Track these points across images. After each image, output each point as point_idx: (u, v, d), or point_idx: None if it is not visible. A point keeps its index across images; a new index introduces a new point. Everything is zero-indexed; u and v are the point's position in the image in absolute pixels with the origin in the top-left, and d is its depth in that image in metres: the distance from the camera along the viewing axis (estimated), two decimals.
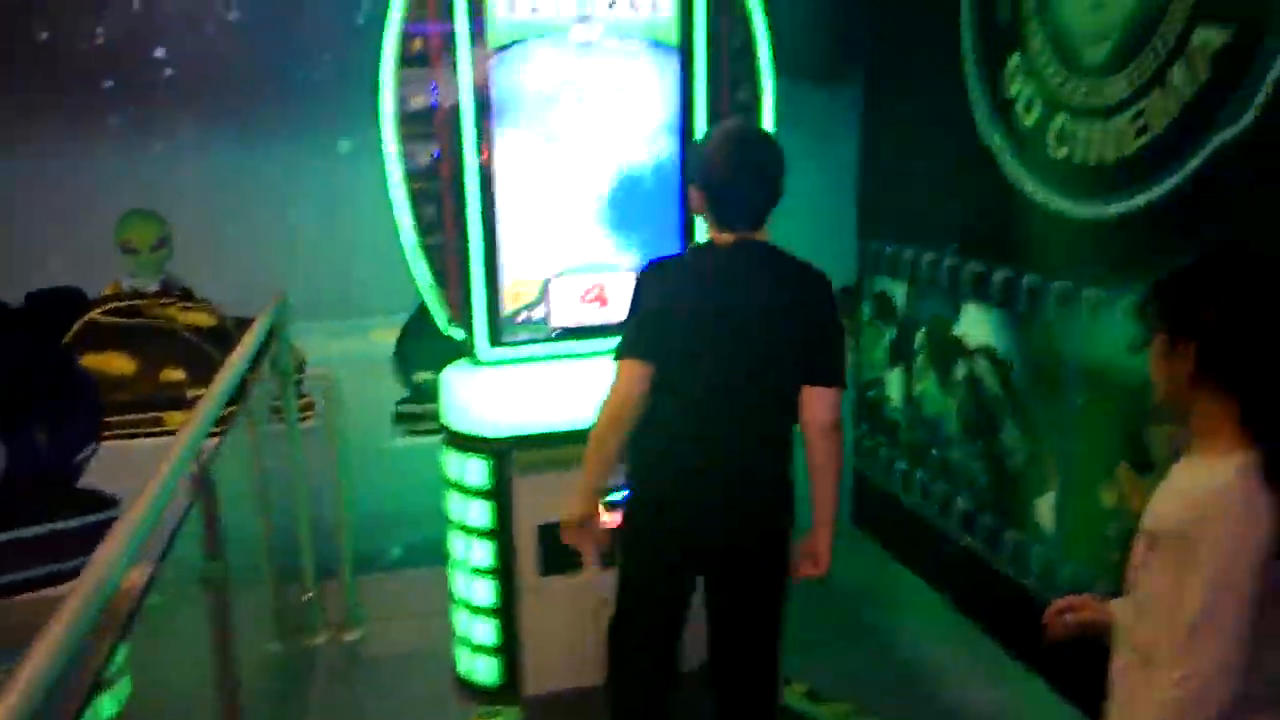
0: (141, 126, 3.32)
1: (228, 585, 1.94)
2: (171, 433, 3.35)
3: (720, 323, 2.16)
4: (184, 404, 3.42)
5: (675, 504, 2.26)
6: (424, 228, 3.07)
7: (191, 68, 3.31)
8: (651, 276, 2.24)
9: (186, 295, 3.43)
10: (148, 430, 3.40)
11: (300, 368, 3.49)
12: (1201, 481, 1.46)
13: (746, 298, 2.17)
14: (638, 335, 2.20)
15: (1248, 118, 2.07)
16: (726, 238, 2.20)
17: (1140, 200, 2.38)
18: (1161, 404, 1.60)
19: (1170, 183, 2.28)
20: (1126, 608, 1.63)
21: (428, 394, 3.53)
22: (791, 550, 2.35)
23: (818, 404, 2.20)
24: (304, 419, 3.50)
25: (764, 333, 2.18)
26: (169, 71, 3.32)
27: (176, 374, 3.44)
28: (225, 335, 3.44)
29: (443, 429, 3.05)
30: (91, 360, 3.36)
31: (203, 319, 3.45)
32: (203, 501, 1.86)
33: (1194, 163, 2.21)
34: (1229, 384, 1.46)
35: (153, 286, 3.41)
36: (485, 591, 2.97)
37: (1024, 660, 2.99)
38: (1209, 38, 2.14)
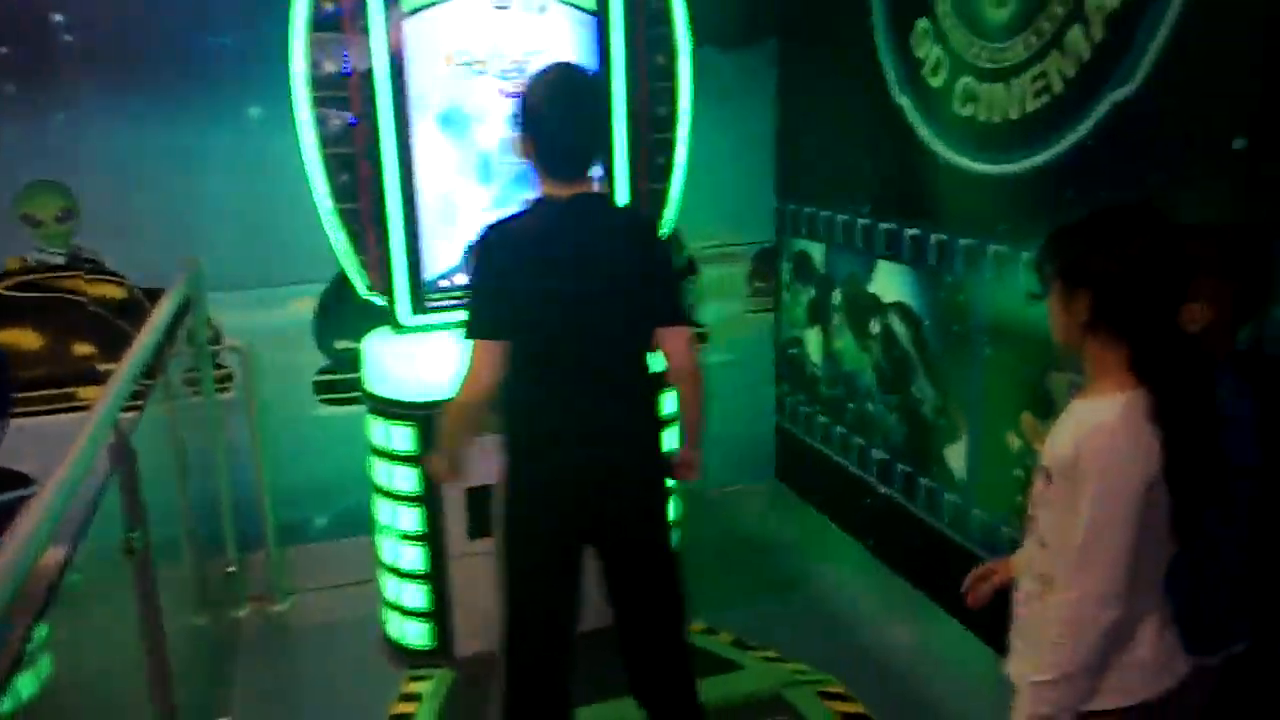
0: (42, 95, 3.18)
1: (150, 555, 1.93)
2: (84, 408, 3.27)
3: (565, 288, 2.11)
4: (96, 378, 3.34)
5: (554, 479, 2.22)
6: (340, 194, 3.05)
7: (93, 33, 3.18)
8: (491, 245, 2.16)
9: (95, 267, 3.33)
10: (60, 406, 3.31)
11: (216, 339, 3.43)
12: (1090, 418, 1.55)
13: (586, 257, 2.13)
14: (486, 313, 2.15)
15: (1139, 77, 2.17)
16: (559, 191, 2.13)
17: (1041, 158, 2.48)
18: (1060, 346, 1.70)
19: (1069, 140, 2.38)
20: (1028, 540, 1.72)
21: (348, 363, 3.51)
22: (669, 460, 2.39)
23: (669, 347, 2.22)
24: (222, 390, 3.44)
25: (608, 289, 2.14)
26: (69, 38, 3.19)
27: (86, 348, 3.36)
28: (137, 307, 3.36)
29: (366, 396, 3.05)
30: None
31: (112, 291, 3.37)
32: (123, 472, 1.84)
33: (1090, 121, 2.31)
34: (1120, 329, 1.55)
35: (59, 259, 3.30)
36: (414, 556, 2.98)
37: (938, 601, 3.13)
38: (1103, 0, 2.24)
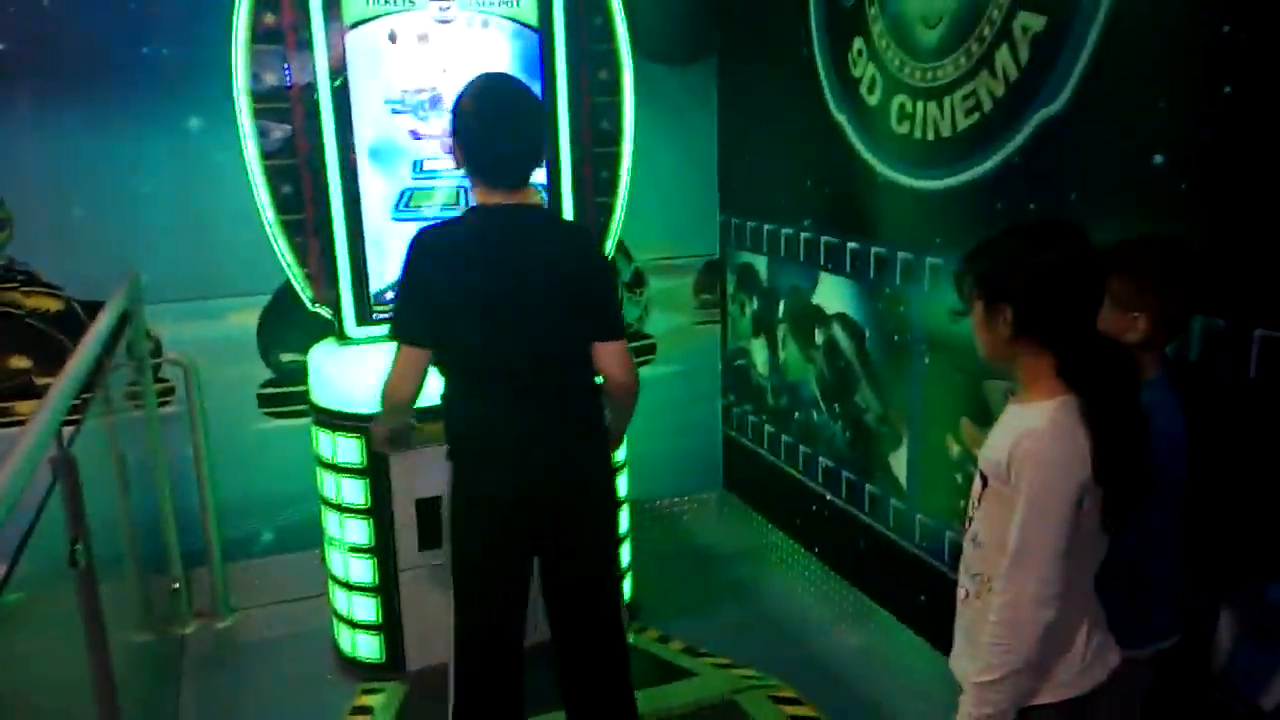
0: None
1: (93, 568, 1.90)
2: (20, 423, 3.23)
3: (493, 297, 2.11)
4: (32, 392, 3.28)
5: (495, 492, 2.22)
6: (283, 206, 3.04)
7: (28, 42, 3.14)
8: (422, 250, 2.13)
9: (31, 279, 3.27)
10: None
11: (157, 351, 3.38)
12: (1022, 423, 1.61)
13: (516, 268, 2.12)
14: (410, 317, 2.15)
15: (1065, 96, 2.25)
16: (494, 200, 2.13)
17: (973, 173, 2.56)
18: (987, 361, 1.76)
19: (999, 156, 2.47)
20: (965, 540, 1.78)
21: (292, 375, 3.49)
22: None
23: (605, 361, 2.21)
24: (163, 404, 3.40)
25: (540, 300, 2.13)
26: (1, 46, 3.14)
27: (23, 361, 3.29)
28: (74, 320, 3.31)
29: (312, 408, 3.03)
30: None
31: (49, 303, 3.31)
32: (64, 483, 1.82)
33: (1019, 138, 2.40)
34: (1044, 339, 1.62)
35: None
36: (363, 569, 2.97)
37: (885, 605, 3.20)
38: (1029, 22, 2.33)
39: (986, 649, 1.63)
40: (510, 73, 2.73)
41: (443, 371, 2.24)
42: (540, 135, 2.20)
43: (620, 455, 3.28)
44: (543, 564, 2.34)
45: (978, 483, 1.73)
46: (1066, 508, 1.55)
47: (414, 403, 2.24)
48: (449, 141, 2.19)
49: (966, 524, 1.77)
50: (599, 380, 2.28)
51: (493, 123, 2.10)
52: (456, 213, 2.49)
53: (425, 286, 2.13)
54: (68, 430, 2.00)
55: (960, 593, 1.79)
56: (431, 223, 2.22)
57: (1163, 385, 1.79)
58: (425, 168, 3.08)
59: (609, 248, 3.39)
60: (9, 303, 3.26)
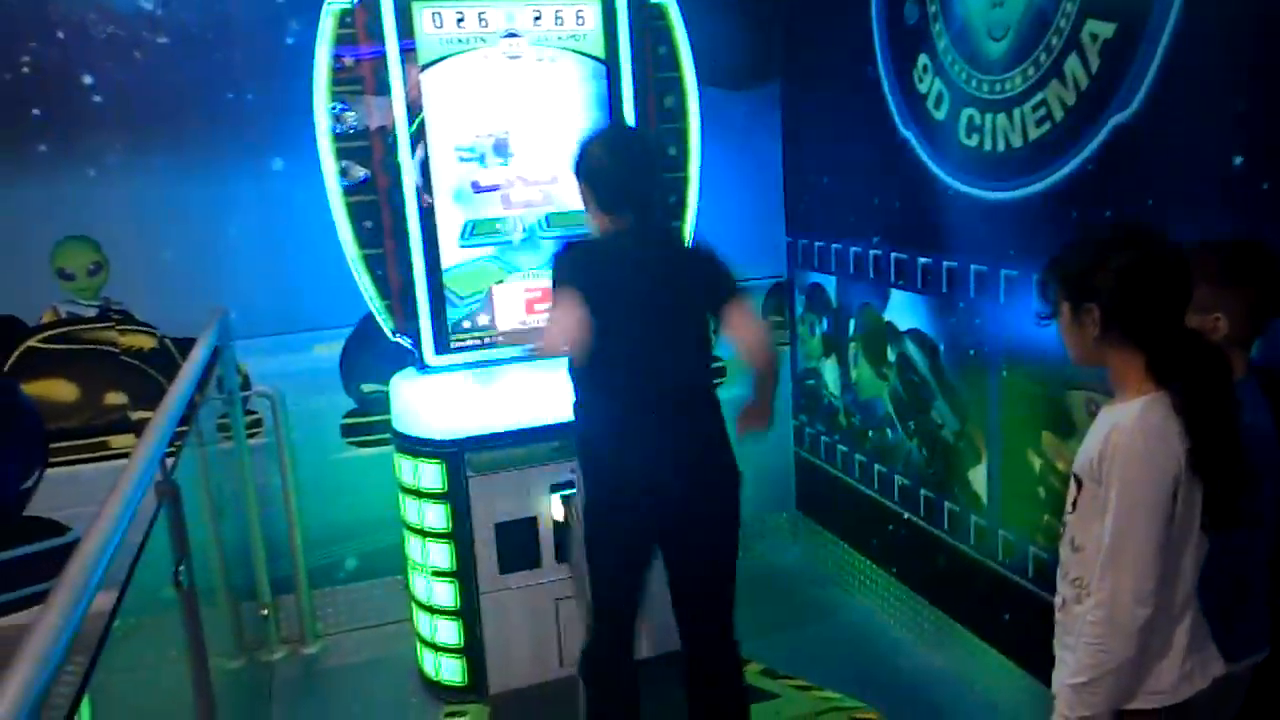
0: (72, 153, 3.29)
1: (195, 590, 1.98)
2: (117, 456, 3.37)
3: (643, 301, 2.31)
4: (128, 427, 3.42)
5: (637, 487, 2.35)
6: (364, 240, 3.14)
7: (121, 93, 3.30)
8: (571, 255, 2.35)
9: (126, 318, 3.42)
10: (93, 455, 3.38)
11: (245, 384, 3.50)
12: (1113, 421, 1.61)
13: (659, 276, 2.34)
14: (569, 278, 2.30)
15: (1138, 101, 2.24)
16: (621, 224, 2.35)
17: (1046, 183, 2.54)
18: (1077, 364, 1.75)
19: (1073, 165, 2.45)
20: (1063, 547, 1.76)
21: (375, 405, 3.58)
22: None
23: (736, 322, 2.36)
24: (251, 435, 3.51)
25: (678, 306, 2.35)
26: (98, 98, 3.31)
27: (119, 397, 3.43)
28: (167, 357, 3.44)
29: (394, 436, 3.11)
30: (32, 388, 3.34)
31: (143, 341, 3.45)
32: (169, 508, 1.90)
33: (1092, 145, 2.38)
34: (1132, 337, 1.61)
35: (91, 311, 3.39)
36: (446, 593, 3.02)
37: (967, 625, 3.14)
38: (1098, 29, 2.31)
39: (1082, 649, 1.61)
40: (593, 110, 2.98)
41: (580, 372, 2.39)
42: (660, 171, 2.54)
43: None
44: (670, 561, 2.47)
45: (1073, 487, 1.71)
46: (1159, 502, 1.54)
47: (569, 351, 2.32)
48: (580, 188, 2.41)
49: (1062, 529, 1.75)
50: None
51: (624, 163, 2.35)
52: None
53: (580, 270, 2.31)
54: (168, 461, 2.09)
55: (1058, 600, 1.76)
56: (575, 238, 2.50)
57: (1252, 385, 1.76)
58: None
59: None
60: (106, 341, 3.41)
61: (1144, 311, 1.59)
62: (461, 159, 3.12)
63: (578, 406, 2.46)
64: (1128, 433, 1.57)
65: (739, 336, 2.37)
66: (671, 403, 2.35)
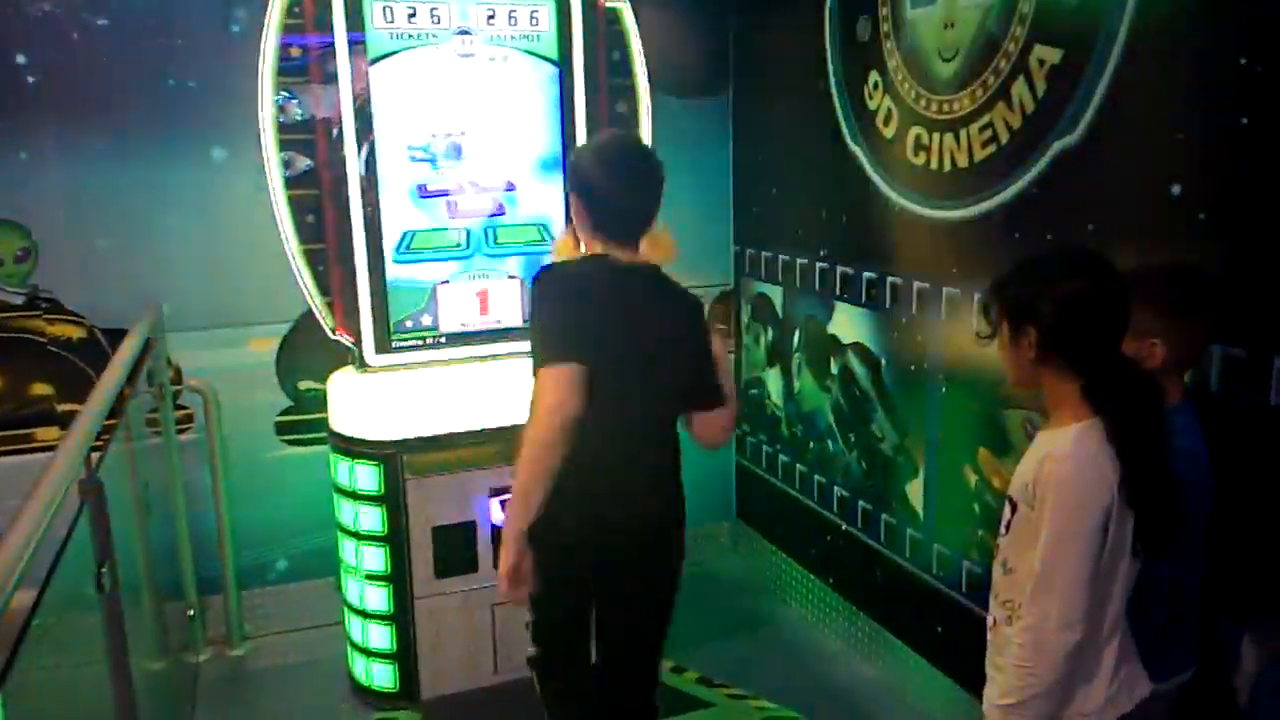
0: (3, 135, 3.19)
1: (119, 592, 1.91)
2: (43, 449, 3.26)
3: (622, 342, 2.11)
4: (54, 419, 3.30)
5: (593, 526, 2.19)
6: (305, 235, 3.07)
7: (56, 75, 3.19)
8: (556, 281, 2.12)
9: (54, 307, 3.31)
10: (17, 447, 3.27)
11: (177, 379, 3.41)
12: (1048, 447, 1.63)
13: (642, 319, 2.14)
14: (568, 337, 2.03)
15: (1082, 126, 2.28)
16: (615, 254, 2.14)
17: (990, 204, 2.58)
18: (1014, 386, 1.78)
19: (1017, 187, 2.49)
20: (995, 567, 1.78)
21: (311, 403, 3.51)
22: None
23: (709, 425, 2.27)
24: (182, 431, 3.42)
25: (657, 354, 2.15)
26: (31, 78, 3.19)
27: (45, 388, 3.32)
28: (96, 348, 3.34)
29: (330, 435, 3.05)
30: None
31: (71, 331, 3.34)
32: (92, 508, 1.84)
33: (1037, 169, 2.42)
34: (1069, 361, 1.64)
35: (17, 299, 3.27)
36: (379, 597, 2.97)
37: (902, 637, 3.18)
38: (1045, 54, 2.36)
39: (1011, 671, 1.63)
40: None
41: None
42: (661, 192, 2.19)
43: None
44: (608, 596, 2.32)
45: (1007, 509, 1.73)
46: (1091, 530, 1.56)
47: (573, 428, 1.98)
48: (573, 201, 2.19)
49: (995, 550, 1.77)
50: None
51: (622, 180, 2.12)
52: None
53: (569, 310, 2.07)
54: (94, 456, 2.02)
55: (989, 620, 1.78)
56: (554, 263, 2.20)
57: (1186, 411, 1.80)
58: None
59: None
60: (33, 330, 3.30)
61: (1082, 338, 1.62)
62: (412, 159, 3.07)
63: None
64: (1061, 460, 1.59)
65: (708, 437, 2.29)
66: (641, 453, 2.21)
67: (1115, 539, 1.59)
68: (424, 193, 3.09)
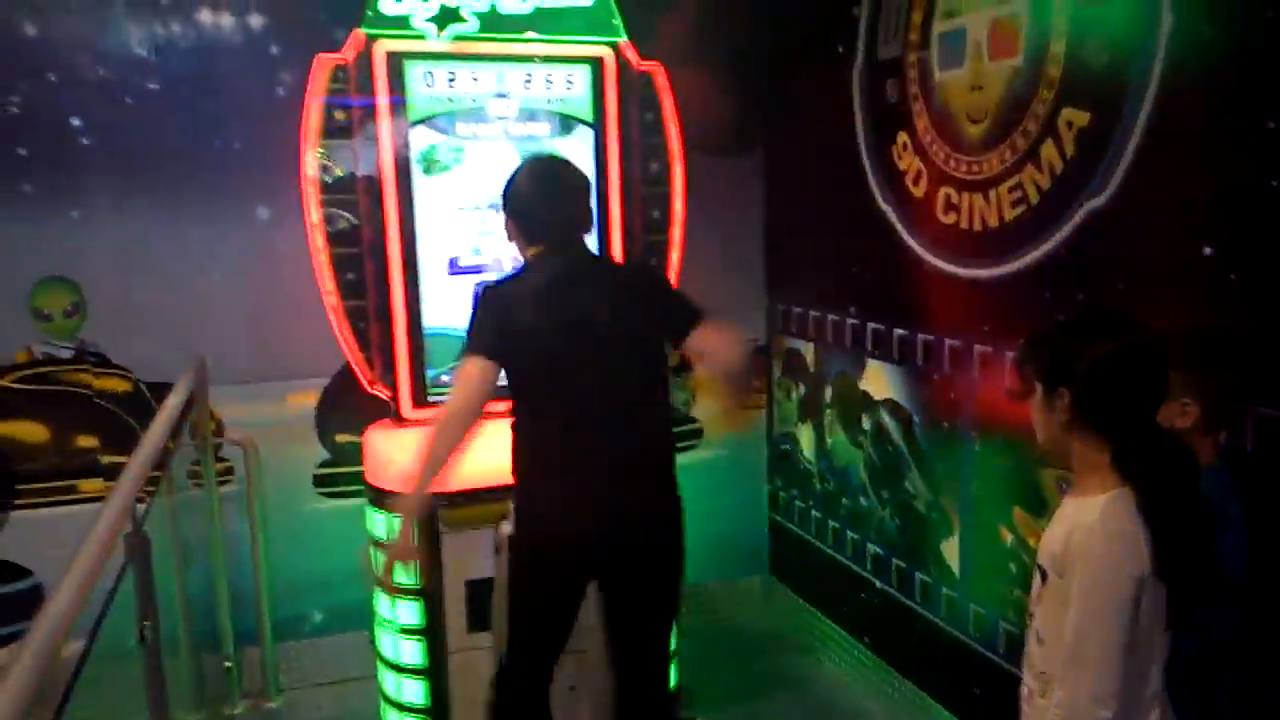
0: (56, 194, 3.29)
1: (159, 645, 1.95)
2: (86, 500, 3.32)
3: (570, 330, 2.26)
4: (98, 471, 3.37)
5: (564, 524, 2.31)
6: (346, 292, 3.15)
7: (109, 137, 3.31)
8: (492, 294, 2.33)
9: (101, 361, 3.40)
10: (61, 499, 3.33)
11: (219, 432, 3.48)
12: (1077, 517, 1.61)
13: (586, 299, 2.28)
14: (483, 336, 2.28)
15: (1112, 187, 2.30)
16: (548, 252, 2.33)
17: (1020, 263, 2.60)
18: (1044, 449, 1.77)
19: (1046, 247, 2.51)
20: (1028, 638, 1.76)
21: (349, 456, 3.55)
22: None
23: (706, 341, 2.35)
24: (222, 483, 3.48)
25: (614, 328, 2.28)
26: (85, 140, 3.32)
27: (90, 440, 3.40)
28: (141, 401, 3.42)
29: (367, 488, 3.08)
30: (3, 428, 3.30)
31: (118, 385, 3.42)
32: (136, 562, 1.88)
33: (1066, 229, 2.44)
34: (1101, 427, 1.62)
35: (66, 353, 3.37)
36: (413, 651, 2.98)
37: (938, 698, 3.13)
38: (1074, 117, 2.39)
39: None
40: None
41: (513, 410, 2.37)
42: (586, 200, 2.38)
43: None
44: (607, 599, 2.43)
45: (1037, 579, 1.71)
46: (1121, 604, 1.53)
47: (470, 424, 2.28)
48: (506, 222, 2.39)
49: (1029, 620, 1.75)
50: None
51: (545, 192, 2.32)
52: None
53: (496, 319, 2.28)
54: (139, 509, 2.07)
55: (1024, 690, 1.75)
56: (494, 279, 2.44)
57: (1221, 471, 1.79)
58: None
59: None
60: (80, 383, 3.38)
61: (1115, 403, 1.60)
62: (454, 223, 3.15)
63: (513, 432, 2.40)
64: (1090, 532, 1.56)
65: (714, 350, 2.36)
66: (609, 438, 2.28)
67: (1150, 610, 1.56)
68: (454, 268, 3.15)
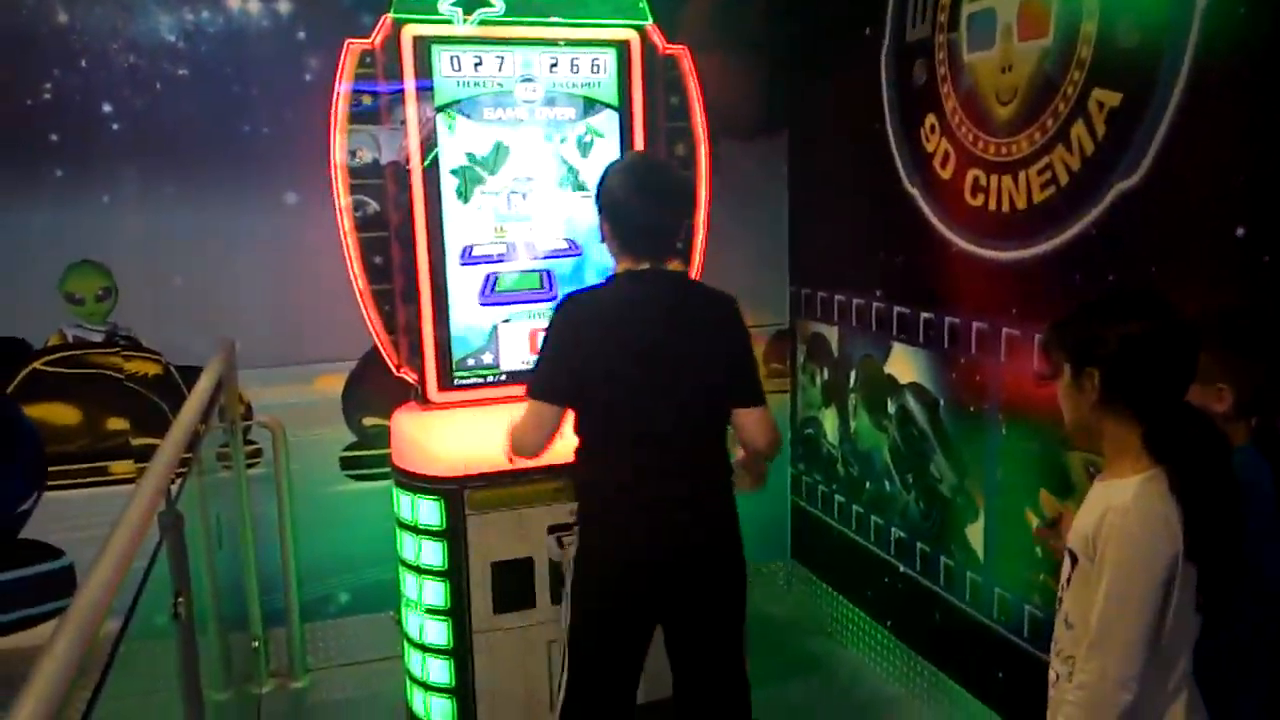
0: (87, 179, 3.33)
1: (193, 621, 1.97)
2: (117, 482, 3.37)
3: (646, 360, 2.16)
4: (129, 453, 3.42)
5: (628, 559, 2.25)
6: (373, 276, 3.16)
7: (139, 122, 3.34)
8: (568, 314, 2.22)
9: (132, 344, 3.44)
10: (92, 480, 3.38)
11: (247, 414, 3.51)
12: (1108, 499, 1.59)
13: (667, 328, 2.18)
14: (551, 375, 2.22)
15: (1143, 168, 2.28)
16: (639, 267, 2.22)
17: (1049, 245, 2.58)
18: (1071, 431, 1.75)
19: (1076, 229, 2.49)
20: (1057, 622, 1.74)
21: (374, 439, 3.58)
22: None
23: (748, 427, 2.27)
24: (250, 465, 3.51)
25: (689, 362, 2.18)
26: (116, 126, 3.35)
27: (121, 423, 3.44)
28: (171, 384, 3.46)
29: (393, 470, 3.11)
30: (35, 410, 3.35)
31: (148, 368, 3.46)
32: (171, 539, 1.90)
33: (1097, 210, 2.42)
34: (1132, 407, 1.61)
35: (97, 336, 3.41)
36: (439, 631, 3.01)
37: (962, 682, 3.13)
38: (1105, 97, 2.37)
39: None
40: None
41: (580, 433, 2.29)
42: (686, 209, 2.29)
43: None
44: (670, 629, 2.35)
45: (1067, 563, 1.69)
46: (1151, 587, 1.52)
47: (534, 458, 2.31)
48: (600, 221, 2.29)
49: (1058, 604, 1.74)
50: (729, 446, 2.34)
51: (643, 196, 2.20)
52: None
53: (570, 345, 2.20)
54: (172, 489, 2.10)
55: (1051, 675, 1.74)
56: (579, 288, 2.32)
57: (1252, 452, 1.77)
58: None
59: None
60: (111, 366, 3.43)
61: (1146, 382, 1.58)
62: (478, 207, 3.16)
63: (579, 462, 2.33)
64: (1122, 513, 1.55)
65: (750, 441, 2.30)
66: (675, 475, 2.22)
67: (1180, 594, 1.54)
68: (466, 258, 3.15)
